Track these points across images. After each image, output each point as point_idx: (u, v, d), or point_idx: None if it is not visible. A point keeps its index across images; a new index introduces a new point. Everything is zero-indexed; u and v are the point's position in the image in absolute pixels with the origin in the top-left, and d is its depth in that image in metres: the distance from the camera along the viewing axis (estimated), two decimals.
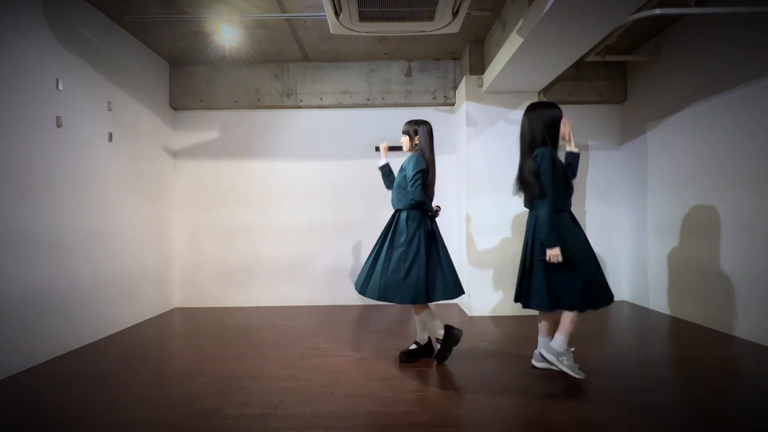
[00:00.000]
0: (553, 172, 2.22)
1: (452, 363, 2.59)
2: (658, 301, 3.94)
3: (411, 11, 2.56)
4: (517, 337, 3.14)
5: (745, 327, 2.99)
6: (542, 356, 2.37)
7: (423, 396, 2.13)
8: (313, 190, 4.52)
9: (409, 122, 2.66)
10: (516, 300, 2.44)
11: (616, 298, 4.43)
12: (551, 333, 2.40)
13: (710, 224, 3.31)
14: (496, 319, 3.71)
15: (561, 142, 2.38)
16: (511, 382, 2.30)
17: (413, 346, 2.68)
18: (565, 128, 2.36)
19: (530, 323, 3.56)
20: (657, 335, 3.23)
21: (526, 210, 2.46)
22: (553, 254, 2.17)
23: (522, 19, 2.78)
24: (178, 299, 4.48)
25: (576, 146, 2.42)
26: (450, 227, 4.49)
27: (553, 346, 2.30)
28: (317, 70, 4.45)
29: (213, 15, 3.40)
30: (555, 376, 2.36)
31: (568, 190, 2.33)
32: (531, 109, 2.38)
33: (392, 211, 2.67)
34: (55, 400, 2.14)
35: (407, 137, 2.65)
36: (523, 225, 3.76)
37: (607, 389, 2.17)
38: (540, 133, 2.30)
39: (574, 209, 2.40)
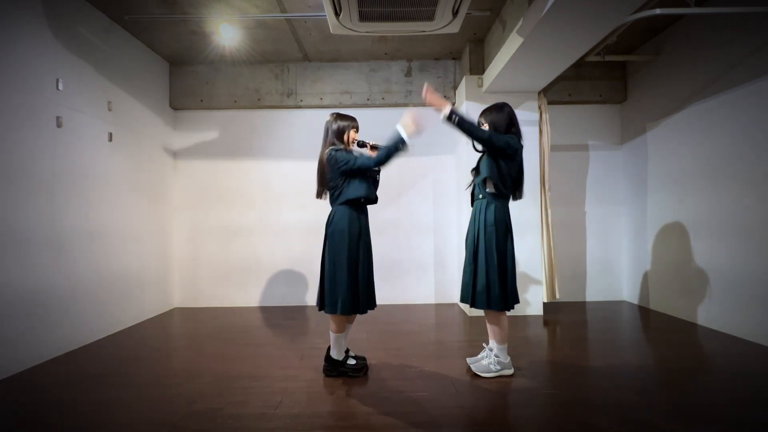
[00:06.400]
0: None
1: (452, 363, 2.59)
2: (658, 301, 3.94)
3: (411, 11, 2.56)
4: (515, 338, 3.14)
5: (746, 327, 3.00)
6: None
7: (423, 396, 2.13)
8: (313, 190, 4.44)
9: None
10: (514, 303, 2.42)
11: (615, 298, 4.50)
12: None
13: (710, 224, 3.31)
14: None
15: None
16: (510, 381, 2.30)
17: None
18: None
19: (528, 323, 3.56)
20: (657, 335, 3.23)
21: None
22: None
23: (522, 19, 2.78)
24: (178, 299, 4.48)
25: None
26: (450, 227, 4.49)
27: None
28: (317, 70, 4.45)
29: (213, 15, 3.40)
30: (557, 378, 2.36)
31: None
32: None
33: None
34: (55, 400, 2.14)
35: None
36: (523, 225, 3.79)
37: (609, 391, 2.17)
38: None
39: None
